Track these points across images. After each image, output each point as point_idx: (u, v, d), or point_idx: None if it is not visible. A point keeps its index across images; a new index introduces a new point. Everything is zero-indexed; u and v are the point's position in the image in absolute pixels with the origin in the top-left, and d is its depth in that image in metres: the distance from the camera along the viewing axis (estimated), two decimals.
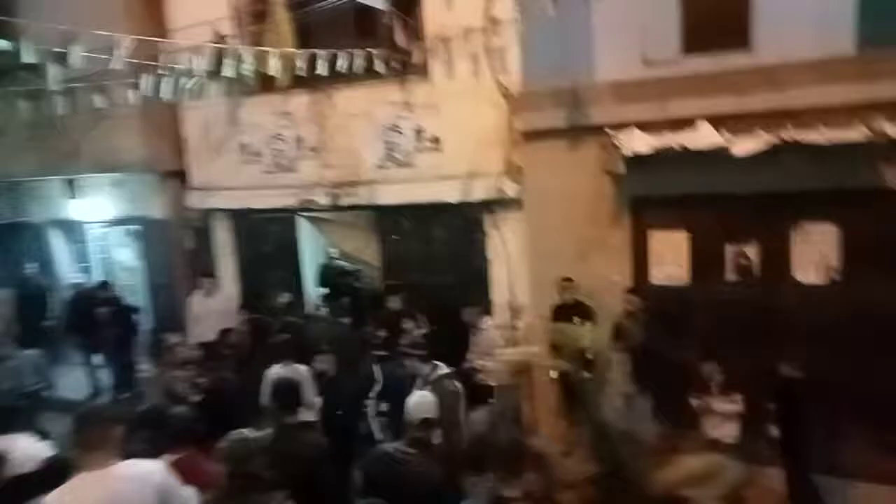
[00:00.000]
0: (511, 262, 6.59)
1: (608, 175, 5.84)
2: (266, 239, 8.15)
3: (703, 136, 5.21)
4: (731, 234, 5.76)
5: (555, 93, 5.87)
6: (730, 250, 5.78)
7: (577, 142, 5.94)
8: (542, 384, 6.30)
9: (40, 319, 9.25)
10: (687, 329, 5.77)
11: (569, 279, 5.95)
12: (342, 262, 9.14)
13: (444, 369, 4.98)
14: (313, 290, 8.30)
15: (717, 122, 5.19)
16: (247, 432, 3.54)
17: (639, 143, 5.42)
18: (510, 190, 6.35)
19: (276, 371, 5.63)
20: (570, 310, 5.96)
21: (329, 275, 8.46)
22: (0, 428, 4.09)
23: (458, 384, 4.93)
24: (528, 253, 6.45)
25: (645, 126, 5.43)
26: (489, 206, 6.57)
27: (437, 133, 6.69)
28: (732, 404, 5.09)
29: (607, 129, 5.55)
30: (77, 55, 3.91)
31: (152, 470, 2.98)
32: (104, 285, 8.74)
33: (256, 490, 3.01)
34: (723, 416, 5.09)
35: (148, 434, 4.08)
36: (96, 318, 8.32)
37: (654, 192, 5.77)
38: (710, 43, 5.45)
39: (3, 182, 9.23)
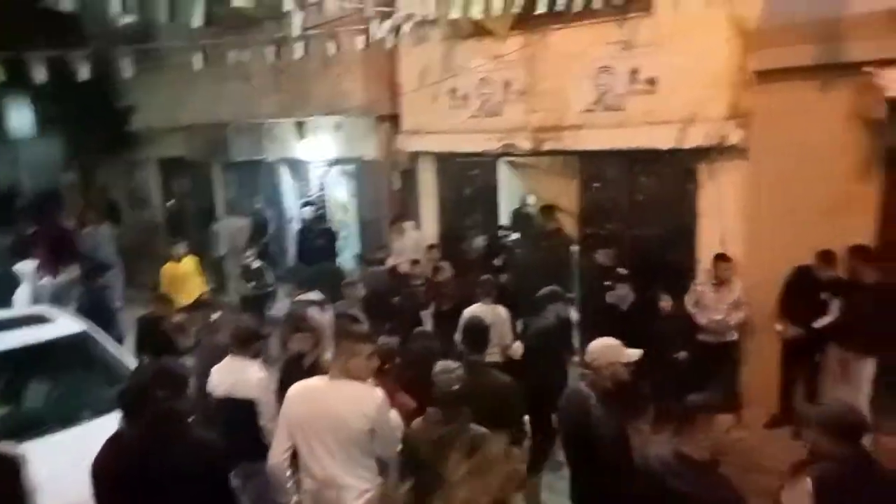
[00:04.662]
0: (726, 218, 6.09)
1: (861, 122, 5.10)
2: (467, 182, 8.39)
3: None
4: None
5: (801, 26, 5.17)
6: None
7: (825, 83, 5.22)
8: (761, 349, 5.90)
9: (265, 245, 10.64)
10: None
11: (832, 256, 5.32)
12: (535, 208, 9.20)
13: None
14: (508, 235, 8.46)
15: None
16: (452, 364, 3.75)
17: None
18: (734, 137, 5.79)
19: (473, 310, 5.84)
20: (818, 282, 5.40)
21: (523, 220, 8.56)
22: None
23: None
24: (748, 209, 5.90)
25: None
26: (707, 154, 6.06)
27: (654, 74, 6.26)
28: None
29: (867, 68, 4.79)
30: (332, 3, 4.22)
31: (372, 395, 3.18)
32: (321, 219, 9.72)
33: (458, 421, 3.19)
34: None
35: None
36: (313, 248, 9.34)
37: None
38: None
39: (247, 123, 10.55)
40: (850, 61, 4.97)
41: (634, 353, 3.56)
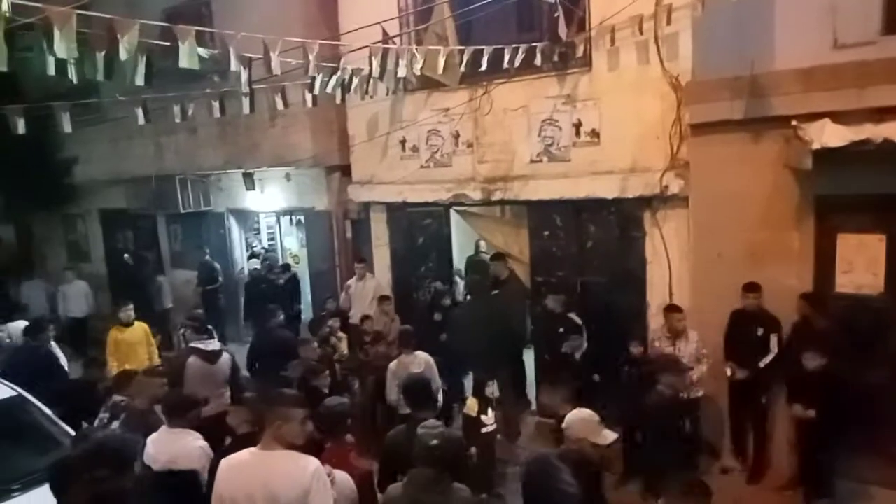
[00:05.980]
0: (672, 264, 6.24)
1: (790, 171, 5.34)
2: (419, 231, 8.40)
3: None
4: None
5: (730, 82, 5.42)
6: None
7: (755, 135, 5.45)
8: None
9: (214, 298, 10.37)
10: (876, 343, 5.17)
11: (755, 285, 5.45)
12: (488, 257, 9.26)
13: None
14: (461, 283, 8.47)
15: None
16: (435, 422, 3.62)
17: (830, 135, 4.86)
18: (674, 186, 5.99)
19: (400, 364, 5.80)
20: (750, 318, 5.51)
21: (477, 268, 8.58)
22: None
23: None
24: (691, 254, 6.06)
25: (837, 117, 4.87)
26: (650, 203, 6.25)
27: (596, 126, 6.46)
28: None
29: (793, 121, 5.04)
30: (276, 62, 4.22)
31: (307, 464, 3.01)
32: (272, 269, 9.54)
33: (444, 482, 3.10)
34: None
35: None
36: (263, 298, 9.11)
37: (846, 191, 5.16)
38: None
39: (193, 174, 10.36)
40: (777, 115, 5.23)
41: (609, 436, 3.50)
